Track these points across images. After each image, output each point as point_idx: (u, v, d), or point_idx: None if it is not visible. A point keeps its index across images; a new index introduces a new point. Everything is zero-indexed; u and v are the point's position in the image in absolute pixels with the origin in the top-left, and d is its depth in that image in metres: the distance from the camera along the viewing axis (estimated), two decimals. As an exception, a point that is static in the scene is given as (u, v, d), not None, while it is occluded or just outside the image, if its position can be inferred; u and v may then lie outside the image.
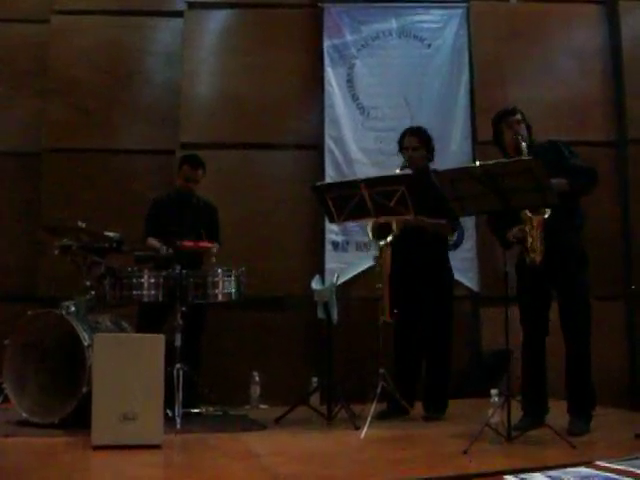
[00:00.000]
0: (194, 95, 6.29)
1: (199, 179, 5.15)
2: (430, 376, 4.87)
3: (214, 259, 4.89)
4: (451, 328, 4.91)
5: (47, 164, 6.08)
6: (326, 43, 6.33)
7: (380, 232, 4.61)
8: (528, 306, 4.25)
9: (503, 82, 6.39)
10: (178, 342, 4.50)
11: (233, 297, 4.69)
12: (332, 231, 6.09)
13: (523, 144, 4.11)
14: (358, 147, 6.24)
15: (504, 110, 4.39)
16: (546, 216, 3.93)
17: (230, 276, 4.68)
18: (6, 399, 4.45)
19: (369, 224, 4.62)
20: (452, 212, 4.39)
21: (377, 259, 4.63)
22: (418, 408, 4.84)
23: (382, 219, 4.55)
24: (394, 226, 4.58)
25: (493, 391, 4.04)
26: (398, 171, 4.78)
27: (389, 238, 4.57)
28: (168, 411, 4.17)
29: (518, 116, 4.32)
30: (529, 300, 4.23)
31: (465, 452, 3.52)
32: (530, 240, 3.97)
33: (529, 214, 3.96)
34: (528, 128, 4.34)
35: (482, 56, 6.40)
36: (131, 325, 4.83)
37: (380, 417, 4.51)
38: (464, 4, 6.47)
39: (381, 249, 4.59)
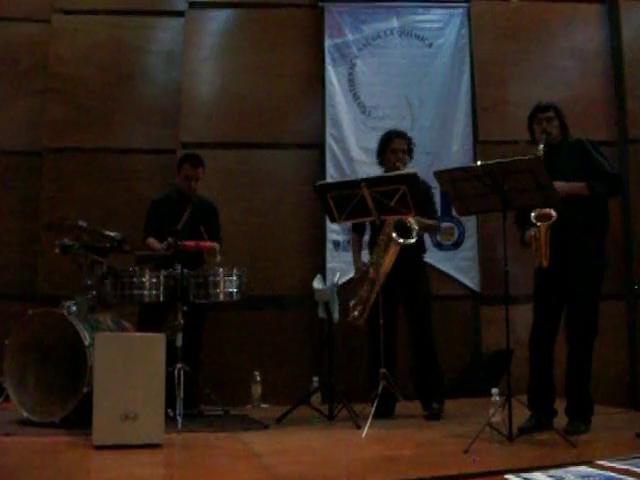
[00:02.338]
0: (195, 94, 6.29)
1: (199, 177, 5.15)
2: (422, 373, 4.85)
3: (219, 258, 4.88)
4: (432, 322, 4.89)
5: (47, 163, 6.07)
6: (327, 42, 6.33)
7: (398, 229, 4.66)
8: (539, 307, 4.25)
9: (504, 81, 6.40)
10: (179, 342, 4.50)
11: (234, 297, 4.69)
12: (333, 230, 6.09)
13: (540, 146, 4.09)
14: (359, 146, 6.23)
15: (537, 105, 4.34)
16: (550, 221, 3.91)
17: (231, 276, 4.67)
18: (7, 398, 4.46)
19: (391, 222, 4.65)
20: (435, 211, 4.73)
21: (380, 254, 4.63)
22: (417, 408, 4.83)
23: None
24: (415, 227, 4.65)
25: (494, 390, 4.05)
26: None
27: (411, 240, 4.62)
28: (169, 411, 4.18)
29: (549, 113, 4.27)
30: (540, 301, 4.24)
31: (466, 451, 3.52)
32: (536, 245, 3.98)
33: (535, 220, 3.95)
34: (563, 126, 4.29)
35: (483, 55, 6.40)
36: (132, 324, 4.84)
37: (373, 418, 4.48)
38: (465, 4, 6.48)
39: (391, 246, 4.60)
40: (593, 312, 4.11)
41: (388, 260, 4.65)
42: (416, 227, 4.65)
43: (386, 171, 4.94)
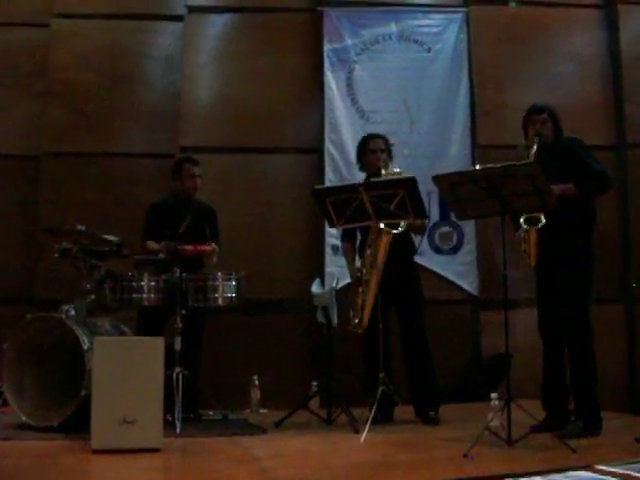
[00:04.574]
0: (194, 99, 6.30)
1: (202, 174, 5.17)
2: (416, 380, 4.80)
3: (215, 260, 4.88)
4: (424, 326, 4.84)
5: (46, 167, 6.07)
6: (326, 47, 6.34)
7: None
8: (539, 306, 4.32)
9: (502, 86, 6.42)
10: (178, 346, 4.49)
11: (233, 301, 4.68)
12: (332, 235, 6.08)
13: (533, 148, 4.12)
14: (358, 151, 6.24)
15: (532, 107, 4.38)
16: (539, 225, 4.00)
17: (230, 280, 4.66)
18: (5, 402, 4.45)
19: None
20: (422, 210, 4.46)
21: (372, 255, 4.62)
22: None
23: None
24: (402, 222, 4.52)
25: (493, 395, 4.05)
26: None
27: (401, 228, 4.52)
28: (168, 415, 4.17)
29: (543, 115, 4.31)
30: (539, 300, 4.32)
31: (465, 456, 3.51)
32: (524, 246, 4.08)
33: (524, 224, 4.03)
34: (557, 129, 4.31)
35: (481, 60, 6.42)
36: (131, 329, 4.83)
37: (373, 422, 4.47)
38: (463, 9, 6.50)
39: (381, 238, 4.55)
40: (583, 310, 4.15)
41: (381, 252, 4.56)
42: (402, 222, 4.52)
43: (367, 175, 4.90)
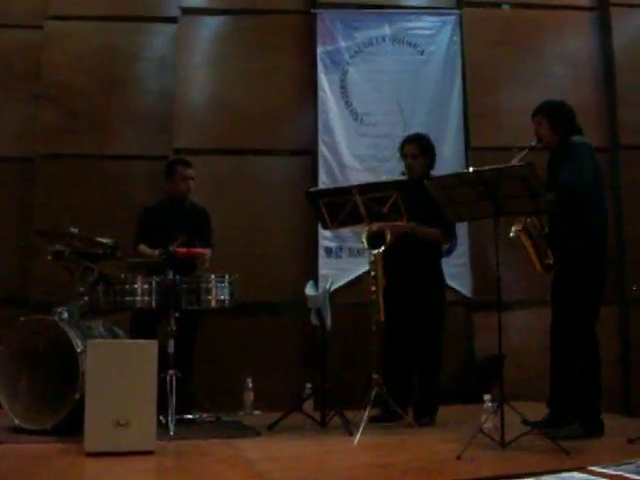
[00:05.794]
0: (188, 101, 6.29)
1: (194, 176, 5.17)
2: (419, 383, 4.83)
3: (207, 264, 4.89)
4: (441, 336, 4.86)
5: (40, 169, 6.06)
6: (319, 49, 6.34)
7: (374, 240, 4.56)
8: (552, 308, 4.34)
9: (496, 88, 6.43)
10: (171, 348, 4.49)
11: (226, 303, 4.68)
12: (325, 237, 6.10)
13: (521, 152, 4.16)
14: (351, 153, 6.25)
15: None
16: (519, 228, 4.15)
17: (223, 282, 4.66)
18: (-2, 406, 4.44)
19: (364, 233, 4.56)
20: (447, 220, 4.47)
21: (371, 264, 4.62)
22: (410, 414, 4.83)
23: (375, 226, 4.53)
24: (388, 236, 4.53)
25: (486, 397, 4.04)
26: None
27: (382, 248, 4.52)
28: (161, 417, 4.16)
29: (537, 118, 4.36)
30: (551, 304, 4.34)
31: (458, 457, 3.52)
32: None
33: (514, 233, 4.17)
34: (557, 128, 4.28)
35: (475, 62, 6.43)
36: (124, 331, 4.82)
37: (372, 420, 4.50)
38: (457, 11, 6.51)
39: (375, 259, 4.55)
40: (580, 316, 4.13)
41: (378, 270, 4.57)
42: (388, 235, 4.52)
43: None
